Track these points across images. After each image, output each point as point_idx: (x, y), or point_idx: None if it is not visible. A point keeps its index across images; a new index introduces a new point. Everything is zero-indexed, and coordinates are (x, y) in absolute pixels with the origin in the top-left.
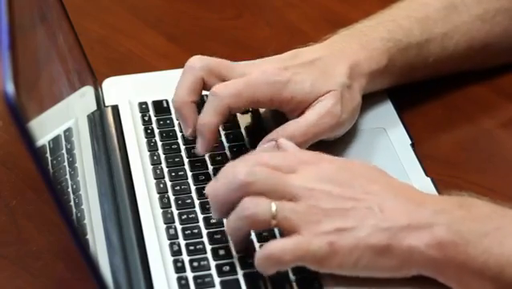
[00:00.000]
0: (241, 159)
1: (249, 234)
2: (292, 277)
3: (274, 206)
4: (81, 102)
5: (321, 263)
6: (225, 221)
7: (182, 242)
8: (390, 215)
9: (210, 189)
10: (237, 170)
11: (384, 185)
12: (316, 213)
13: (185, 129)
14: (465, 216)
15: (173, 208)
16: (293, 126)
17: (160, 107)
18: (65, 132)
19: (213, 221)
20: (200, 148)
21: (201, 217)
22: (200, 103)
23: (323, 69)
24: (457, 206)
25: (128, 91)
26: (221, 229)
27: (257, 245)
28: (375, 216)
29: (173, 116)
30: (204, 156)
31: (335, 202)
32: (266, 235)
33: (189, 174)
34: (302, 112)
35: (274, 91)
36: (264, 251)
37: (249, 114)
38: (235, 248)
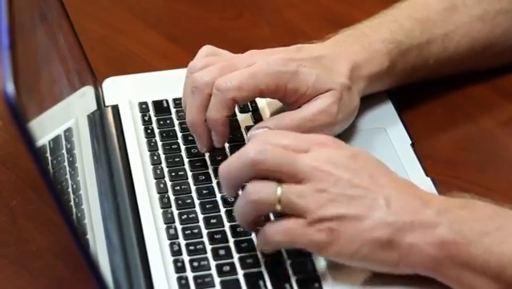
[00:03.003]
0: (253, 139)
1: (259, 217)
2: (292, 277)
3: (279, 190)
4: (81, 102)
5: (319, 249)
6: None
7: (182, 242)
8: (396, 210)
9: (223, 166)
10: (248, 148)
11: (393, 179)
12: (321, 197)
13: (200, 147)
14: (468, 216)
15: (173, 208)
16: (288, 117)
17: (160, 107)
18: (65, 132)
19: (213, 221)
20: (216, 142)
21: (201, 217)
22: None
23: (326, 66)
24: (459, 207)
25: (127, 91)
26: (221, 229)
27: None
28: (381, 208)
29: (173, 115)
30: (204, 155)
31: (342, 188)
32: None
33: (189, 174)
34: (300, 106)
35: (280, 81)
36: (261, 231)
37: (250, 114)
38: (247, 229)
